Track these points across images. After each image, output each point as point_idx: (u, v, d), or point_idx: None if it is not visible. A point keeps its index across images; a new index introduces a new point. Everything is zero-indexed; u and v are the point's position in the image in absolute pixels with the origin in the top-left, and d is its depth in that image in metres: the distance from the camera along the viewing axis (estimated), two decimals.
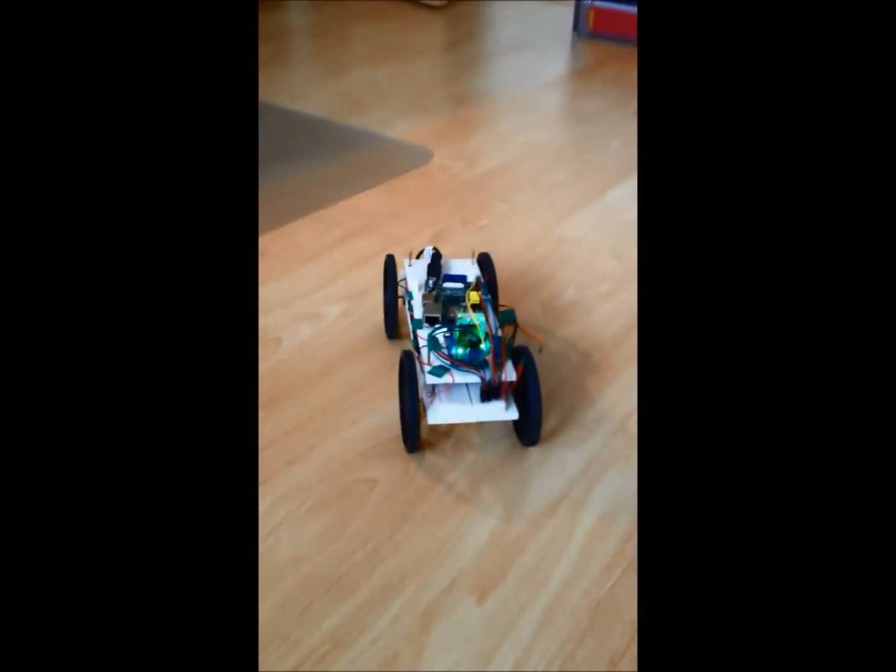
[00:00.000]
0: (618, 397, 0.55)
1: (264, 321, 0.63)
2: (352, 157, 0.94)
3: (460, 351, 0.47)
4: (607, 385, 0.56)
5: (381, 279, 0.69)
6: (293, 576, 0.41)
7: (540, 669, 0.36)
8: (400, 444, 0.50)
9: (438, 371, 0.46)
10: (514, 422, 0.50)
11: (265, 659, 0.36)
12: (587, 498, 0.46)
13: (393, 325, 0.59)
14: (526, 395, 0.47)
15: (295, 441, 0.50)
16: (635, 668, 0.36)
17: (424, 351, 0.47)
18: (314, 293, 0.67)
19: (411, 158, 0.94)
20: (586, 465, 0.49)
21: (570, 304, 0.66)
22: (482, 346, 0.47)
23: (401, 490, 0.46)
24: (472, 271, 0.57)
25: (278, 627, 0.38)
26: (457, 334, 0.48)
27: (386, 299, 0.59)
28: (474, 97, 1.17)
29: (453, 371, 0.46)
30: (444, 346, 0.48)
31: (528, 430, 0.48)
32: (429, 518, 0.45)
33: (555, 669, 0.36)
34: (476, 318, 0.49)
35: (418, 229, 0.78)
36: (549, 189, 0.88)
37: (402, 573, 0.41)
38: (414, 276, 0.56)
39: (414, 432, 0.47)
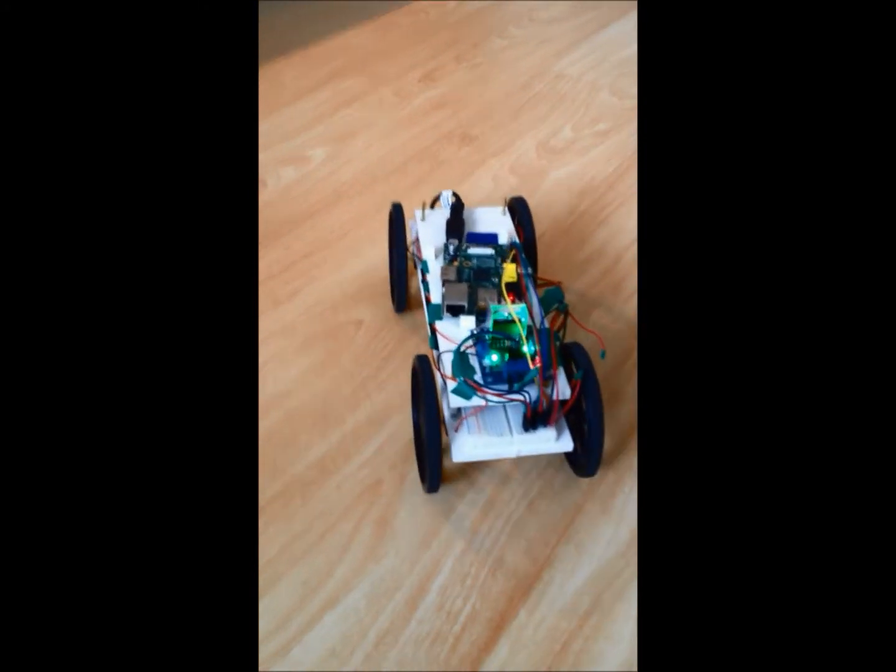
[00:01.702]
0: (611, 236, 0.53)
1: None
2: None
3: (495, 358, 0.34)
4: (601, 226, 0.54)
5: (369, 121, 0.66)
6: (279, 411, 0.41)
7: (520, 491, 0.37)
8: (385, 287, 0.49)
9: (466, 390, 0.33)
10: None
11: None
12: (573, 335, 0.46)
13: (402, 296, 0.45)
14: (585, 418, 0.34)
15: (280, 284, 0.50)
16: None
17: (446, 359, 0.34)
18: (298, 135, 0.64)
19: None
20: (575, 302, 0.48)
21: (566, 144, 0.63)
22: (524, 348, 0.34)
23: (387, 331, 0.46)
24: (503, 225, 0.43)
25: (264, 458, 0.39)
26: (489, 337, 0.34)
27: (392, 264, 0.46)
28: None
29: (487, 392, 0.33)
30: (474, 364, 0.34)
31: (584, 463, 0.35)
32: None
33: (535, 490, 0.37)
34: (515, 311, 0.35)
35: (409, 68, 0.74)
36: (548, 23, 0.81)
37: (387, 407, 0.42)
38: (428, 234, 0.43)
39: (434, 468, 0.33)
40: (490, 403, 0.33)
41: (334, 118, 0.66)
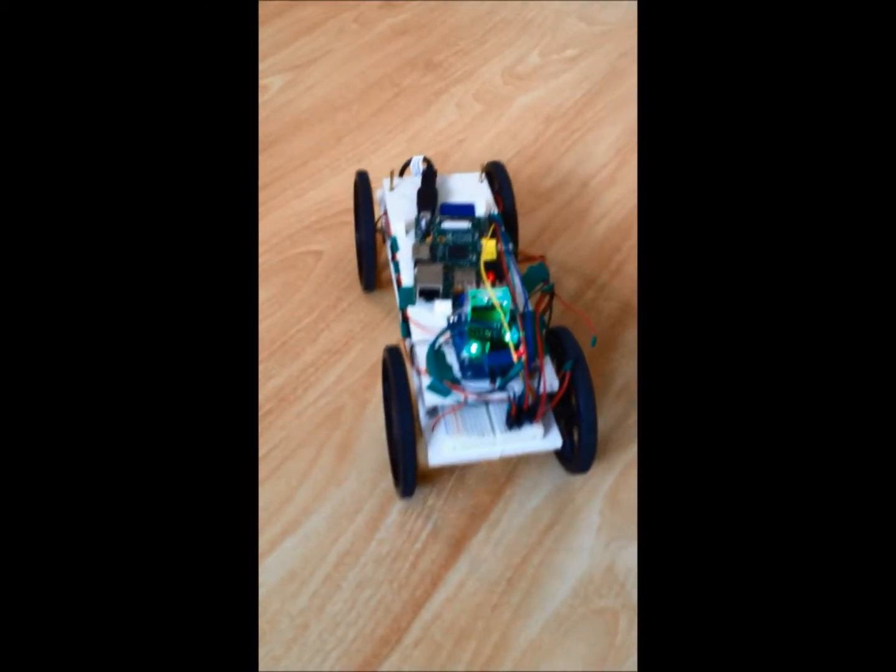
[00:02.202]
0: (578, 162, 0.52)
1: None
2: None
3: (474, 350, 0.30)
4: (568, 152, 0.53)
5: (329, 48, 0.63)
6: None
7: None
8: (346, 217, 0.48)
9: (442, 389, 0.30)
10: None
11: None
12: None
13: (370, 273, 0.41)
14: (576, 412, 0.31)
15: None
16: None
17: (420, 351, 0.31)
18: None
19: None
20: (542, 229, 0.47)
21: (533, 70, 0.61)
22: (507, 337, 0.30)
23: (347, 262, 0.45)
24: (481, 195, 0.39)
25: None
26: (467, 326, 0.31)
27: (359, 240, 0.42)
28: None
29: (466, 387, 0.30)
30: (452, 358, 0.31)
31: (576, 461, 0.32)
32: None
33: None
34: (496, 294, 0.31)
35: None
36: None
37: (348, 337, 0.41)
38: (398, 207, 0.38)
39: (409, 473, 0.30)
40: (470, 398, 0.30)
41: (292, 46, 0.63)
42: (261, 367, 0.39)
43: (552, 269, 0.44)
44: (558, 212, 0.48)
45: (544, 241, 0.46)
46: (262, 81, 0.59)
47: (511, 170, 0.51)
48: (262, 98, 0.58)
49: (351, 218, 0.48)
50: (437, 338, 0.31)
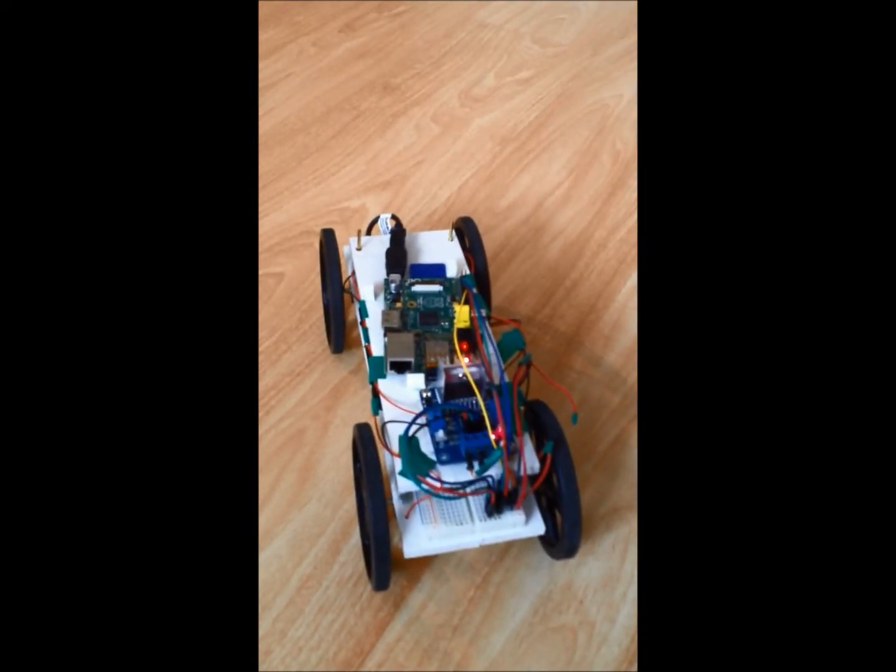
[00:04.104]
0: (534, 181, 0.53)
1: None
2: None
3: (448, 432, 0.29)
4: (523, 171, 0.54)
5: (289, 72, 0.64)
6: None
7: None
8: (306, 240, 0.48)
9: (416, 480, 0.28)
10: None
11: None
12: (497, 279, 0.46)
13: (339, 335, 0.40)
14: (557, 496, 0.29)
15: None
16: None
17: (392, 430, 0.30)
18: None
19: None
20: (499, 247, 0.48)
21: (488, 92, 0.62)
22: (483, 409, 0.29)
23: (307, 283, 0.45)
24: (451, 254, 0.38)
25: None
26: (441, 409, 0.30)
27: (326, 300, 0.40)
28: None
29: (441, 472, 0.28)
30: (426, 443, 0.29)
31: (560, 546, 0.30)
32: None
33: None
34: (469, 366, 0.30)
35: (330, 18, 0.71)
36: None
37: (310, 359, 0.41)
38: (366, 268, 0.37)
39: (383, 568, 0.29)
40: (445, 484, 0.28)
41: None
42: None
43: (510, 288, 0.45)
44: (515, 230, 0.49)
45: (502, 260, 0.47)
46: None
47: (468, 190, 0.53)
48: None
49: (312, 241, 0.48)
50: (410, 424, 0.29)
